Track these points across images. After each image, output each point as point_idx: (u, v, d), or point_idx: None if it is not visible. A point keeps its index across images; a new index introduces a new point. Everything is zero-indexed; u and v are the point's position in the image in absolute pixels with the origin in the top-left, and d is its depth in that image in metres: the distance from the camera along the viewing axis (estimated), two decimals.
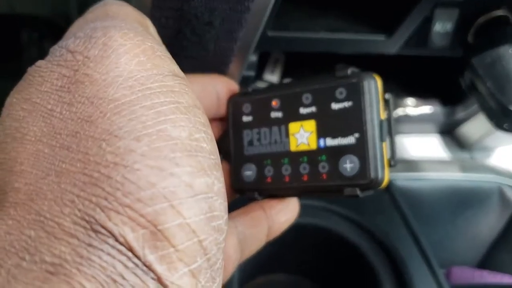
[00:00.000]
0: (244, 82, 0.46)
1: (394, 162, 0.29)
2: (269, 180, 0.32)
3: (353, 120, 0.28)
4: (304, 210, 0.50)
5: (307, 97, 0.31)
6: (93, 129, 0.18)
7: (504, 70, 0.45)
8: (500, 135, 0.61)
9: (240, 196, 0.34)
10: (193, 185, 0.18)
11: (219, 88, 0.35)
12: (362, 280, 0.48)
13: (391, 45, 0.47)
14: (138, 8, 0.31)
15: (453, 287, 0.48)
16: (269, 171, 0.32)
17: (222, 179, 0.20)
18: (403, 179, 0.55)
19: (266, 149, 0.32)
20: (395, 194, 0.53)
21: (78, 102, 0.19)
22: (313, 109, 0.30)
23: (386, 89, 0.29)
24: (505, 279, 0.52)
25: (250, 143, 0.33)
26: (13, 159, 0.19)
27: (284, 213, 0.33)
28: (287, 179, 0.31)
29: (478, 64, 0.47)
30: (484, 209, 0.59)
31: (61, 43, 0.21)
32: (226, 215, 0.20)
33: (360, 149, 0.28)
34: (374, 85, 0.28)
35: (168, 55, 0.22)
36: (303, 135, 0.30)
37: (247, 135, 0.33)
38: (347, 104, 0.29)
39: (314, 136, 0.30)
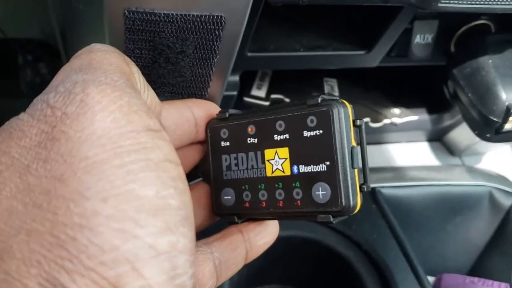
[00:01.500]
0: (227, 102, 0.47)
1: (367, 187, 0.29)
2: (247, 205, 0.33)
3: (324, 148, 0.28)
4: (294, 222, 0.51)
5: (280, 124, 0.31)
6: (64, 188, 0.19)
7: (484, 80, 0.45)
8: None
9: (221, 219, 0.35)
10: (156, 246, 0.18)
11: (196, 112, 0.35)
12: None
13: (371, 59, 0.48)
14: (112, 41, 0.32)
15: None
16: (247, 196, 0.33)
17: (189, 233, 0.20)
18: (391, 187, 0.56)
19: (243, 174, 0.33)
20: (382, 203, 0.54)
21: (53, 159, 0.19)
22: (286, 136, 0.31)
23: (357, 115, 0.30)
24: (495, 285, 0.52)
25: (229, 168, 0.34)
26: None
27: (262, 235, 0.33)
28: (263, 204, 0.32)
29: (459, 74, 0.48)
30: (475, 214, 0.59)
31: (43, 96, 0.22)
32: (191, 270, 0.20)
33: (331, 177, 0.28)
34: (344, 113, 0.29)
35: (144, 108, 0.22)
36: (278, 162, 0.31)
37: (225, 160, 0.34)
38: (318, 132, 0.29)
39: (288, 163, 0.30)
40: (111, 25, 0.30)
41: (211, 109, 0.36)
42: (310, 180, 0.29)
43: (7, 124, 0.21)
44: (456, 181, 0.59)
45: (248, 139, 0.33)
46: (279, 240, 0.52)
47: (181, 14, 0.30)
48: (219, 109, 0.37)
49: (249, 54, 0.43)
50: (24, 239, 0.18)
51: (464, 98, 0.47)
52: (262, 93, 0.59)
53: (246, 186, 0.33)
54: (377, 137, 0.62)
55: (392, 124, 0.60)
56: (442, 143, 0.66)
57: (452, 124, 0.63)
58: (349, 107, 0.29)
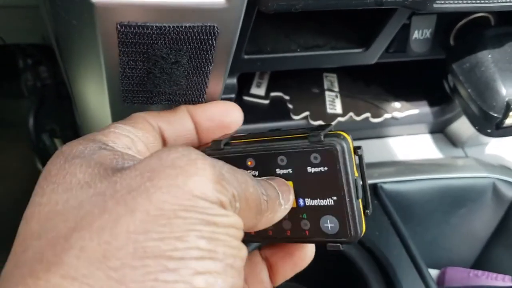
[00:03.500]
0: None
1: (370, 210, 0.29)
2: (253, 233, 0.33)
3: (329, 184, 0.29)
4: None
5: (282, 159, 0.31)
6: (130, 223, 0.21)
7: (483, 76, 0.45)
8: None
9: None
10: None
11: (198, 119, 0.35)
12: (354, 286, 0.50)
13: (369, 56, 0.47)
14: (106, 54, 0.32)
15: None
16: None
17: None
18: (393, 182, 0.56)
19: None
20: (384, 199, 0.54)
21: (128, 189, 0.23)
22: (289, 170, 0.31)
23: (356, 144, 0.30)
24: (498, 278, 0.52)
25: None
26: None
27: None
28: (270, 233, 0.32)
29: (458, 69, 0.48)
30: (478, 206, 0.59)
31: None
32: None
33: (339, 212, 0.29)
34: (346, 148, 0.29)
35: None
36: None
37: None
38: (322, 168, 0.29)
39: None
40: (105, 38, 0.30)
41: (215, 113, 0.36)
42: (317, 212, 0.30)
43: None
44: (459, 173, 0.59)
45: (248, 171, 0.32)
46: None
47: (173, 26, 0.30)
48: (233, 110, 0.36)
49: (245, 56, 0.43)
50: (77, 255, 0.20)
51: (464, 93, 0.47)
52: (261, 91, 0.58)
53: None
54: (378, 132, 0.62)
55: (393, 118, 0.60)
56: (444, 135, 0.66)
57: (454, 115, 0.62)
58: (349, 139, 0.30)
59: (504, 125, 0.44)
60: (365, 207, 0.30)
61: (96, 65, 0.34)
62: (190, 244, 0.21)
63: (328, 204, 0.29)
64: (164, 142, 0.33)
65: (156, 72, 0.33)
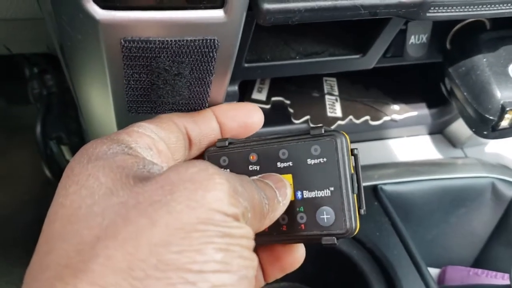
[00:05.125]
0: None
1: (364, 210, 0.31)
2: None
3: (328, 175, 0.30)
4: None
5: (283, 153, 0.33)
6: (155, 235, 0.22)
7: (479, 79, 0.46)
8: None
9: None
10: None
11: (221, 121, 0.36)
12: (355, 287, 0.51)
13: (367, 61, 0.48)
14: (111, 67, 0.33)
15: None
16: None
17: None
18: (393, 183, 0.57)
19: None
20: (385, 200, 0.55)
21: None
22: (290, 163, 0.32)
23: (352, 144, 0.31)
24: (498, 277, 0.53)
25: None
26: None
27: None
28: (266, 229, 0.33)
29: (455, 73, 0.49)
30: (478, 206, 0.60)
31: None
32: None
33: (336, 202, 0.30)
34: (345, 143, 0.31)
35: None
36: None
37: None
38: (322, 160, 0.31)
39: (291, 189, 0.32)
40: (109, 53, 0.32)
41: (238, 114, 0.37)
42: (314, 204, 0.31)
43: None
44: (458, 173, 0.60)
45: (250, 166, 0.34)
46: None
47: (175, 40, 0.31)
48: (252, 110, 0.37)
49: (246, 65, 0.44)
50: (103, 263, 0.21)
51: (460, 96, 0.48)
52: (263, 96, 0.60)
53: None
54: (378, 134, 0.63)
55: (392, 120, 0.61)
56: (443, 136, 0.67)
57: (452, 117, 0.63)
58: (347, 137, 0.31)
59: (500, 127, 0.45)
60: (360, 206, 0.31)
61: (101, 77, 0.35)
62: (207, 257, 0.22)
63: (325, 195, 0.31)
64: (190, 142, 0.34)
65: (160, 83, 0.35)
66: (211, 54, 0.33)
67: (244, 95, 0.59)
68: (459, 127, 0.65)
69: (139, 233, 0.22)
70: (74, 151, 0.73)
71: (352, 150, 0.31)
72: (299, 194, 0.32)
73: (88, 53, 0.34)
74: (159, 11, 0.30)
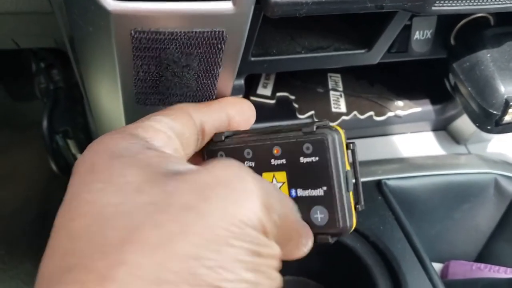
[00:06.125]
0: None
1: (361, 206, 0.30)
2: None
3: (320, 174, 0.30)
4: None
5: (277, 150, 0.32)
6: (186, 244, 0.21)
7: (483, 74, 0.46)
8: None
9: None
10: None
11: (230, 113, 0.36)
12: (359, 280, 0.51)
13: (372, 56, 0.49)
14: (120, 58, 0.34)
15: (446, 282, 0.50)
16: None
17: None
18: (396, 179, 0.57)
19: None
20: (388, 195, 0.55)
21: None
22: (283, 161, 0.32)
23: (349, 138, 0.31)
24: (501, 271, 0.53)
25: None
26: None
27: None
28: None
29: (459, 68, 0.49)
30: (481, 202, 0.61)
31: None
32: None
33: (329, 202, 0.30)
34: (338, 139, 0.30)
35: None
36: (276, 185, 0.32)
37: None
38: (314, 158, 0.30)
39: (286, 186, 0.32)
40: (119, 44, 0.32)
41: (243, 107, 0.37)
42: (308, 203, 0.31)
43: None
44: (461, 169, 0.61)
45: (246, 162, 0.34)
46: None
47: (184, 32, 0.32)
48: (251, 106, 0.37)
49: (252, 58, 0.45)
50: (130, 272, 0.19)
51: (465, 91, 0.48)
52: (268, 91, 0.60)
53: None
54: (382, 130, 0.64)
55: (396, 116, 0.61)
56: (447, 132, 0.67)
57: (456, 113, 0.64)
58: (341, 132, 0.31)
59: (504, 121, 0.45)
60: (357, 202, 0.31)
61: (111, 69, 0.35)
62: (239, 276, 0.21)
63: (319, 194, 0.30)
64: (203, 135, 0.33)
65: (168, 75, 0.35)
66: (219, 46, 0.34)
67: (249, 90, 0.60)
68: (463, 123, 0.65)
69: (170, 240, 0.20)
70: (80, 145, 0.74)
71: (348, 144, 0.30)
72: (293, 192, 0.32)
73: (98, 45, 0.34)
74: (169, 2, 0.30)
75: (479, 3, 0.35)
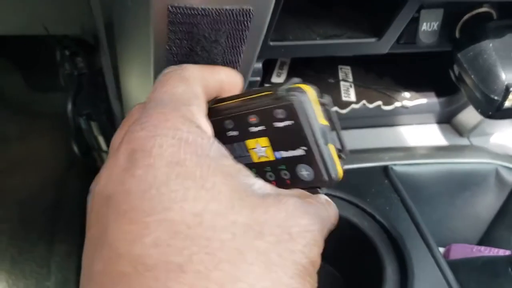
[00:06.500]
0: (252, 86, 0.52)
1: (345, 153, 0.32)
2: None
3: (297, 136, 0.31)
4: None
5: (253, 118, 0.33)
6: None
7: (485, 63, 0.50)
8: (495, 121, 0.66)
9: None
10: None
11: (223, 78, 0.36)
12: (366, 258, 0.54)
13: (382, 46, 0.52)
14: (156, 32, 0.37)
15: (449, 261, 0.53)
16: None
17: None
18: (402, 164, 0.60)
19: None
20: (395, 179, 0.58)
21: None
22: (262, 127, 0.33)
23: (323, 92, 0.32)
24: (500, 252, 0.56)
25: None
26: None
27: None
28: None
29: (463, 58, 0.52)
30: (482, 190, 0.64)
31: None
32: None
33: (310, 159, 0.31)
34: (306, 100, 0.30)
35: None
36: (261, 150, 0.34)
37: None
38: (288, 122, 0.31)
39: (270, 150, 0.33)
40: (156, 18, 0.36)
41: (232, 72, 0.38)
42: (293, 162, 0.32)
43: None
44: (464, 159, 0.64)
45: (228, 132, 0.35)
46: None
47: (215, 8, 0.35)
48: (237, 73, 0.38)
49: (271, 43, 0.48)
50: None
51: (468, 79, 0.52)
52: (281, 80, 0.64)
53: None
54: (389, 120, 0.67)
55: (403, 107, 0.65)
56: (451, 126, 0.71)
57: (460, 106, 0.67)
58: (309, 90, 0.31)
59: (504, 107, 0.48)
60: (340, 150, 0.32)
61: (146, 44, 0.39)
62: None
63: (300, 154, 0.31)
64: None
65: (198, 50, 0.38)
66: (245, 23, 0.37)
67: (264, 79, 0.63)
68: (466, 117, 0.69)
69: (273, 266, 0.21)
70: (102, 127, 0.77)
71: (320, 100, 0.31)
72: (277, 154, 0.33)
73: (136, 19, 0.38)
74: None
75: None
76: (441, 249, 0.62)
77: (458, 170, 0.63)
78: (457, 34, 0.55)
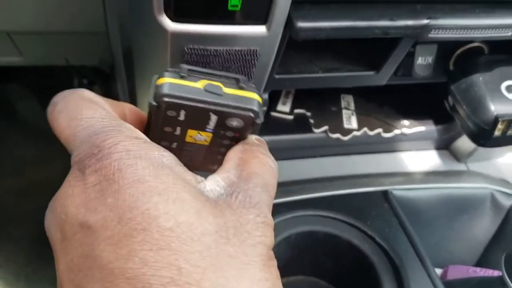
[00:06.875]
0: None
1: (243, 81, 0.31)
2: None
3: (205, 116, 0.29)
4: (316, 220, 0.59)
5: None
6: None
7: (476, 95, 0.53)
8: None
9: None
10: None
11: None
12: (365, 278, 0.57)
13: (380, 78, 0.56)
14: (174, 62, 0.41)
15: (445, 282, 0.56)
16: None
17: None
18: (402, 189, 0.64)
19: None
20: (394, 203, 0.61)
21: None
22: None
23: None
24: (495, 273, 0.59)
25: None
26: None
27: None
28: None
29: (456, 90, 0.56)
30: (478, 214, 0.67)
31: None
32: None
33: (225, 116, 0.29)
34: (169, 89, 0.29)
35: None
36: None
37: None
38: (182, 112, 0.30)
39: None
40: (173, 57, 0.40)
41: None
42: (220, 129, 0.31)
43: None
44: (461, 184, 0.67)
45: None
46: (305, 235, 0.60)
47: (226, 49, 0.39)
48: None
49: (276, 76, 0.52)
50: None
51: (461, 110, 0.55)
52: (286, 108, 0.68)
53: None
54: (389, 146, 0.70)
55: (402, 134, 0.68)
56: (449, 151, 0.74)
57: (456, 133, 0.70)
58: (163, 79, 0.29)
59: (494, 136, 0.52)
60: (237, 80, 0.31)
61: None
62: None
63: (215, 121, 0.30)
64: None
65: None
66: (253, 62, 0.41)
67: (270, 107, 0.67)
68: (463, 143, 0.72)
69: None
70: None
71: (179, 74, 0.30)
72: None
73: (155, 56, 0.42)
74: (216, 26, 0.38)
75: (466, 33, 0.42)
76: (440, 270, 0.65)
77: (456, 194, 0.66)
78: (451, 67, 0.59)
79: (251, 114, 0.30)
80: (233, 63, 0.41)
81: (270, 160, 0.31)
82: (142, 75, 0.47)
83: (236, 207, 0.26)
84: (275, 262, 0.25)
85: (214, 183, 0.27)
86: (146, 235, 0.22)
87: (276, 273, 0.25)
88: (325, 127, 0.66)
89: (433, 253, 0.65)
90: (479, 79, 0.54)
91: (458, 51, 0.58)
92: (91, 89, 0.82)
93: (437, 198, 0.65)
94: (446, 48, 0.58)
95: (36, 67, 0.76)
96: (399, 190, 0.64)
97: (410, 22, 0.42)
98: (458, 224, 0.67)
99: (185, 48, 0.38)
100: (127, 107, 0.33)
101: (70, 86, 0.84)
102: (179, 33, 0.38)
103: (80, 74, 0.79)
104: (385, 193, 0.63)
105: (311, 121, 0.67)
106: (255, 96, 0.31)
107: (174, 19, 0.37)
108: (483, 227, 0.67)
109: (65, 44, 0.64)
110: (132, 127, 0.28)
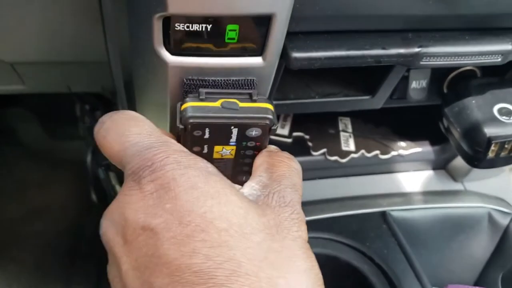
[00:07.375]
0: None
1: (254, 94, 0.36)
2: None
3: (227, 131, 0.35)
4: (316, 242, 0.60)
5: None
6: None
7: (469, 117, 0.55)
8: None
9: None
10: None
11: None
12: None
13: (376, 102, 0.57)
14: (172, 97, 0.42)
15: None
16: None
17: None
18: (400, 210, 0.65)
19: None
20: (392, 224, 0.62)
21: None
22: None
23: None
24: None
25: None
26: None
27: None
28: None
29: (450, 112, 0.57)
30: (476, 233, 0.67)
31: None
32: None
33: (244, 128, 0.35)
34: (194, 113, 0.34)
35: None
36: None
37: None
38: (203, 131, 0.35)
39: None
40: (172, 87, 0.41)
41: None
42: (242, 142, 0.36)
43: None
44: (458, 203, 0.68)
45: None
46: None
47: (224, 79, 0.41)
48: None
49: (274, 102, 0.53)
50: None
51: (455, 132, 0.56)
52: (285, 131, 0.69)
53: None
54: (387, 167, 0.72)
55: (400, 155, 0.69)
56: (446, 171, 0.75)
57: (453, 153, 0.71)
58: (187, 104, 0.35)
59: (488, 157, 0.53)
60: (250, 96, 0.36)
61: (163, 104, 0.44)
62: None
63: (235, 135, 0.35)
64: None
65: None
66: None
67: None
68: (459, 163, 0.73)
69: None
70: (119, 177, 0.82)
71: (197, 99, 0.35)
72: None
73: (155, 87, 0.43)
74: (213, 58, 0.39)
75: (457, 60, 0.44)
76: None
77: (453, 214, 0.67)
78: (445, 90, 0.61)
79: (267, 122, 0.35)
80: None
81: (294, 162, 0.34)
82: (142, 103, 0.48)
83: (273, 206, 0.29)
84: (312, 253, 0.28)
85: (250, 189, 0.31)
86: (206, 235, 0.25)
87: (316, 263, 0.27)
88: (324, 150, 0.67)
89: (431, 272, 0.65)
90: (472, 102, 0.55)
91: (452, 75, 0.60)
92: (93, 115, 0.84)
93: (435, 218, 0.66)
94: (439, 72, 0.59)
95: (38, 93, 0.78)
96: (397, 210, 0.65)
97: (402, 50, 0.44)
98: (456, 244, 0.67)
99: (184, 79, 0.40)
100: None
101: (72, 111, 0.86)
102: (178, 66, 0.39)
103: (83, 100, 0.81)
104: (383, 214, 0.64)
105: (310, 144, 0.68)
106: (268, 105, 0.36)
107: (173, 52, 0.38)
108: (481, 246, 0.68)
109: (67, 72, 0.66)
110: (176, 142, 0.31)
